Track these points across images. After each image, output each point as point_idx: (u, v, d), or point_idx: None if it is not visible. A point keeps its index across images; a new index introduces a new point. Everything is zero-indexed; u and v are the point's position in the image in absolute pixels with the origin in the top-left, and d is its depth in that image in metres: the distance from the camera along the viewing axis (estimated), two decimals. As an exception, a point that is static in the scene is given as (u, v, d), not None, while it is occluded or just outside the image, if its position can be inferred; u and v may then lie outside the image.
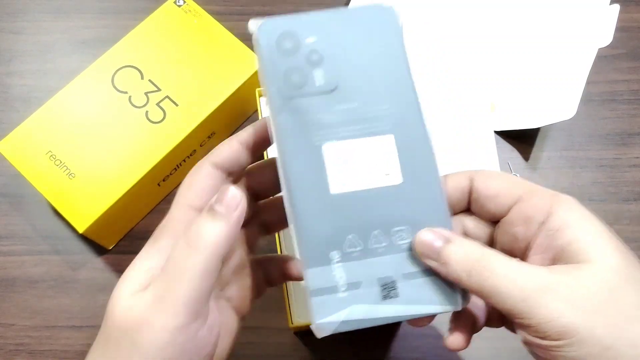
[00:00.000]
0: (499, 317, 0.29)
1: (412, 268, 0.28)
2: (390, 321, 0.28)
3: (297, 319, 0.40)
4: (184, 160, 0.47)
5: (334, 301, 0.28)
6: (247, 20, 0.60)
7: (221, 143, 0.29)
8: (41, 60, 0.54)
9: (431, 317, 0.28)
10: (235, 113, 0.49)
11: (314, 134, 0.29)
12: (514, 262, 0.24)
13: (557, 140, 0.51)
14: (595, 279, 0.23)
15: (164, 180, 0.47)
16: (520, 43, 0.53)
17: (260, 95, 0.46)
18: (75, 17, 0.56)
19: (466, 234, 0.30)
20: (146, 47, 0.47)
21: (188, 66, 0.46)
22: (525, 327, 0.24)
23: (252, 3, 0.56)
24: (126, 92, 0.45)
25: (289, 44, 0.30)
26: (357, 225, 0.29)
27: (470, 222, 0.30)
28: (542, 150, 0.50)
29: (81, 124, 0.44)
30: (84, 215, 0.42)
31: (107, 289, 0.46)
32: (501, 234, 0.28)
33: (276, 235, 0.42)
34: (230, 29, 0.48)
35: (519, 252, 0.27)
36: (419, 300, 0.28)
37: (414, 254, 0.28)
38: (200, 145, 0.48)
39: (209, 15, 0.48)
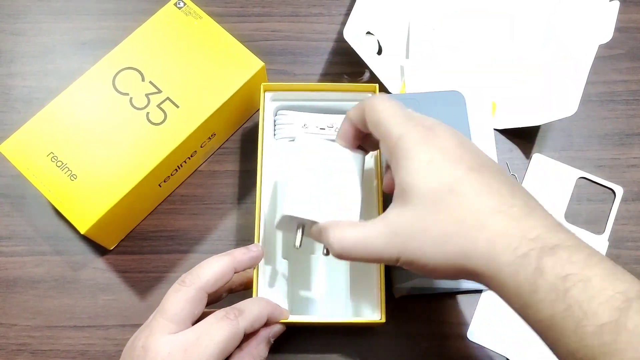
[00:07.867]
0: None
1: None
2: (436, 292, 0.44)
3: None
4: (185, 162, 0.47)
5: (407, 275, 0.43)
6: (247, 22, 0.60)
7: (213, 266, 0.36)
8: (42, 61, 0.54)
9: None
10: (236, 114, 0.50)
11: None
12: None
13: (556, 140, 0.51)
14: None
15: (165, 181, 0.47)
16: (521, 40, 0.53)
17: (264, 90, 0.46)
18: (76, 19, 0.56)
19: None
20: (147, 49, 0.47)
21: (189, 68, 0.46)
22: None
23: (252, 4, 0.56)
24: (127, 94, 0.45)
25: None
26: None
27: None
28: (542, 151, 0.51)
29: (82, 126, 0.44)
30: (85, 216, 0.42)
31: (109, 289, 0.47)
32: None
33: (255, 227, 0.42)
34: (231, 31, 0.48)
35: None
36: (454, 282, 0.44)
37: None
38: (201, 146, 0.48)
39: (209, 17, 0.48)
